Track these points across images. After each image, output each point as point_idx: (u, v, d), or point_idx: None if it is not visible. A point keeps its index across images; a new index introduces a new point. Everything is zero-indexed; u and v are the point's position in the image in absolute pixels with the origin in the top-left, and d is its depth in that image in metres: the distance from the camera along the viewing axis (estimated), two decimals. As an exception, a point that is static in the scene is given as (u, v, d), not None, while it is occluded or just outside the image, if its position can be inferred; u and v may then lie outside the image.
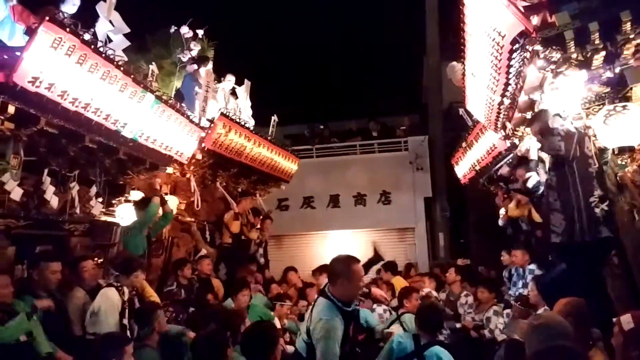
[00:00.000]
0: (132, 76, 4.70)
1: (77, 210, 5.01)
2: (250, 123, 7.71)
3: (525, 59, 3.48)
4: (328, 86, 14.91)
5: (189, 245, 7.30)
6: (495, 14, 3.30)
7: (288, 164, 8.47)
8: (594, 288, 3.51)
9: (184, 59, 7.27)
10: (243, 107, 7.87)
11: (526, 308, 5.03)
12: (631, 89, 3.42)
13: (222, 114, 6.51)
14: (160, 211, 5.88)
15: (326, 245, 12.52)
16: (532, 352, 2.66)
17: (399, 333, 4.07)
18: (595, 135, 4.02)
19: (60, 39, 3.71)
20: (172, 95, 6.24)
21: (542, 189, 4.34)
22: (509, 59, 3.50)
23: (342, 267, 3.41)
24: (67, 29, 3.76)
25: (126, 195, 5.68)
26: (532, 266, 5.93)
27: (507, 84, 3.87)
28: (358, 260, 3.50)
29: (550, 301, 3.78)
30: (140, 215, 5.56)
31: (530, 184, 4.64)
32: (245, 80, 8.07)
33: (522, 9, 3.18)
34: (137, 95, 4.82)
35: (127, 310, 4.30)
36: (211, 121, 6.38)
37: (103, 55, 4.25)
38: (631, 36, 3.26)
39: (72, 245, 5.20)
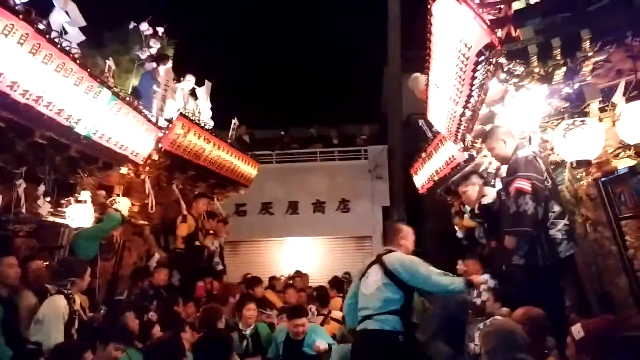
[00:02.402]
0: (88, 70, 4.50)
1: (23, 210, 4.73)
2: (210, 125, 7.55)
3: (489, 72, 3.54)
4: (289, 92, 14.87)
5: (141, 249, 7.03)
6: (462, 25, 3.34)
7: (248, 168, 8.34)
8: (552, 296, 3.59)
9: (143, 57, 7.07)
10: (203, 109, 7.71)
11: (480, 317, 5.13)
12: (589, 104, 3.54)
13: (181, 114, 6.35)
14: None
15: (284, 252, 12.42)
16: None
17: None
18: (552, 149, 4.15)
19: (12, 25, 3.50)
20: (130, 93, 6.03)
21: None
22: (474, 70, 3.55)
23: (396, 227, 4.12)
24: (20, 16, 3.55)
25: (76, 195, 5.40)
26: (486, 276, 6.02)
27: (469, 96, 3.91)
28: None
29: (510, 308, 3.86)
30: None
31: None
32: (206, 81, 7.91)
33: (488, 22, 3.23)
34: (93, 91, 4.62)
35: (76, 320, 4.09)
36: (169, 121, 6.20)
37: (58, 46, 4.04)
38: (590, 54, 3.37)
39: (17, 246, 4.89)
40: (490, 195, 4.95)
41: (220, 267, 7.82)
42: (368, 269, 3.88)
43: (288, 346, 4.76)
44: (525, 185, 3.65)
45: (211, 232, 7.81)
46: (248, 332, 5.04)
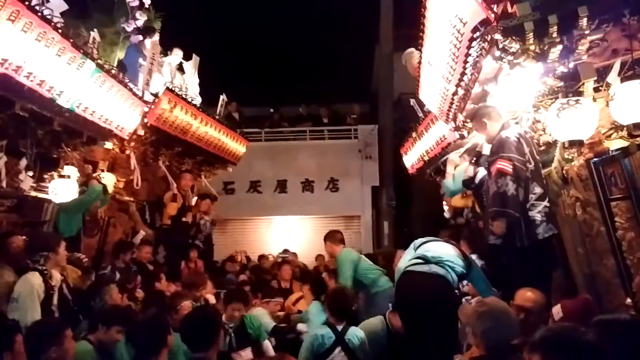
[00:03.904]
0: (71, 40, 4.35)
1: (4, 184, 4.62)
2: (197, 100, 7.41)
3: (483, 49, 3.47)
4: (279, 70, 14.66)
5: (126, 225, 6.96)
6: (458, 0, 3.27)
7: (236, 145, 8.23)
8: (533, 277, 3.58)
9: (129, 29, 6.88)
10: (190, 84, 7.55)
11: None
12: (583, 84, 3.48)
13: (167, 88, 6.21)
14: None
15: (272, 230, 12.40)
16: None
17: (314, 328, 4.21)
18: (544, 130, 4.11)
19: (-12, -9, 3.34)
20: (115, 66, 5.87)
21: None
22: (468, 47, 3.48)
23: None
24: (-3, -19, 3.39)
25: (60, 169, 5.28)
26: (473, 256, 6.04)
27: (463, 74, 3.85)
28: None
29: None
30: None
31: (477, 179, 4.74)
32: (194, 56, 7.73)
33: (484, -3, 3.15)
34: (76, 62, 4.47)
35: (54, 296, 4.02)
36: (155, 96, 6.07)
37: (39, 14, 3.88)
38: (586, 32, 3.29)
39: (-2, 221, 4.81)
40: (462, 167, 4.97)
41: (207, 225, 7.72)
42: (430, 242, 4.01)
43: None
44: (506, 167, 3.64)
45: (201, 210, 7.77)
46: (232, 325, 4.44)
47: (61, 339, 3.02)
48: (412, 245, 4.22)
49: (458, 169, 5.19)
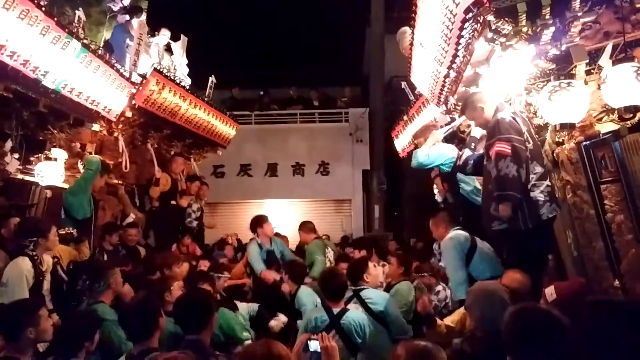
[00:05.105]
0: (55, 19, 4.24)
1: (-11, 166, 4.56)
2: (186, 82, 7.30)
3: (475, 31, 3.43)
4: (269, 52, 14.50)
5: (115, 209, 6.88)
6: (450, -20, 3.22)
7: (226, 128, 8.14)
8: (535, 259, 3.59)
9: (115, 8, 6.74)
10: (178, 65, 7.41)
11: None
12: (575, 66, 3.47)
13: (155, 69, 6.09)
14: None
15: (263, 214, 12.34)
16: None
17: (310, 310, 4.15)
18: (535, 113, 4.10)
19: (-33, -34, 3.23)
20: (101, 46, 5.75)
21: (470, 162, 4.36)
22: (461, 29, 3.43)
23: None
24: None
25: (46, 152, 5.20)
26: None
27: (455, 56, 3.81)
28: None
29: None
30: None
31: (461, 160, 4.73)
32: (182, 36, 7.59)
33: (477, -23, 3.10)
34: (61, 42, 4.37)
35: (45, 281, 3.99)
36: (143, 77, 5.96)
37: (21, -9, 3.78)
38: (579, 14, 3.28)
39: (-18, 204, 4.74)
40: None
41: (194, 224, 7.67)
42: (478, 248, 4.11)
43: None
44: (505, 148, 3.56)
45: (192, 194, 7.69)
46: None
47: (36, 319, 2.99)
48: (458, 246, 4.12)
49: (435, 147, 5.06)
